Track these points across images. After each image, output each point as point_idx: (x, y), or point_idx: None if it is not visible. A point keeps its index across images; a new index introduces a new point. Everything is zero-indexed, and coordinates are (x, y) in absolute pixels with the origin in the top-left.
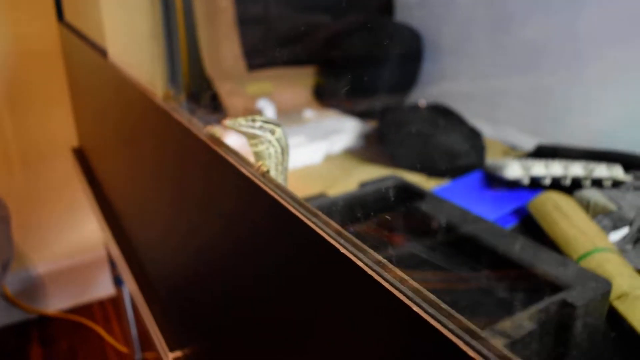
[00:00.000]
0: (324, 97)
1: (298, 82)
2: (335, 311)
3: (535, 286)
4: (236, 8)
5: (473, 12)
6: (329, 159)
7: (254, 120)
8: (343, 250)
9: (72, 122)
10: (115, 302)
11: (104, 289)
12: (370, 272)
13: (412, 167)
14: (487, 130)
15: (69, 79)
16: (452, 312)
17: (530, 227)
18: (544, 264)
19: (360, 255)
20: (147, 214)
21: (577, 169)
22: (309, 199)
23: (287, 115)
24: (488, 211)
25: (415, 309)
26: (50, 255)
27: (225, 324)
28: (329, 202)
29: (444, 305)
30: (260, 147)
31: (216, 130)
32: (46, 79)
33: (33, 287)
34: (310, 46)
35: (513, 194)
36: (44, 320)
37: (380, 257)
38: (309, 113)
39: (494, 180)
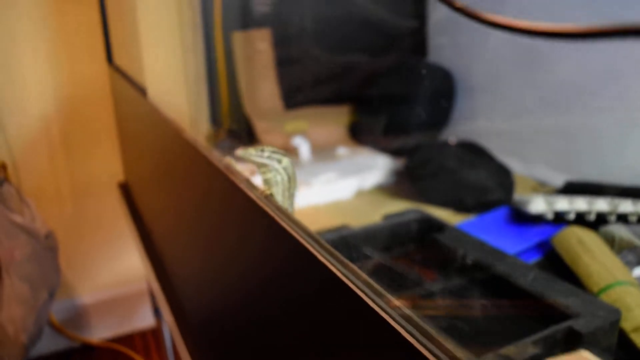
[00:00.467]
0: (358, 135)
1: (333, 120)
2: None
3: (545, 315)
4: (274, 50)
5: (504, 51)
6: (360, 194)
7: (262, 150)
8: (354, 289)
9: (119, 158)
10: (155, 333)
11: (145, 319)
12: (371, 304)
13: (440, 203)
14: (517, 167)
15: (117, 117)
16: None
17: (554, 261)
18: (556, 294)
19: (368, 291)
20: (184, 249)
21: (601, 204)
22: (332, 230)
23: (322, 152)
24: (510, 245)
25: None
26: (95, 286)
27: (251, 353)
28: (350, 233)
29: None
30: (269, 175)
31: (231, 160)
32: (97, 118)
33: (77, 316)
34: (346, 85)
35: (537, 229)
36: (87, 349)
37: (386, 295)
38: (342, 150)
39: (520, 216)
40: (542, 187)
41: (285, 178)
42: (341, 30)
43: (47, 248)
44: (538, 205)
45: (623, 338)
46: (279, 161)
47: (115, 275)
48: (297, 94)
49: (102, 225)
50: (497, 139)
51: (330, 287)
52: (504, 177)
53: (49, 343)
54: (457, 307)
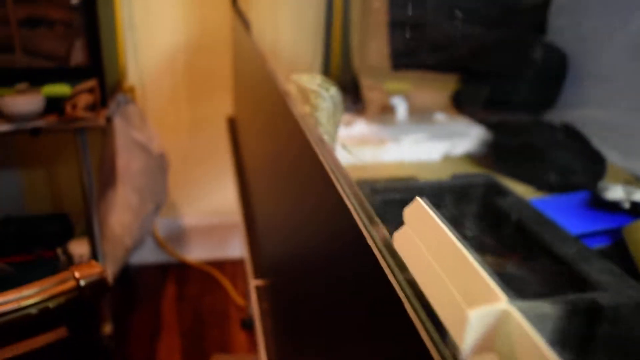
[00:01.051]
0: (460, 104)
1: (437, 86)
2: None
3: (575, 285)
4: (389, 10)
5: (626, 42)
6: (447, 159)
7: (314, 78)
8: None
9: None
10: (243, 264)
11: (237, 250)
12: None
13: (522, 178)
14: (616, 159)
15: (233, 55)
16: None
17: (621, 251)
18: (593, 269)
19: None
20: (265, 189)
21: None
22: (399, 180)
23: (419, 115)
24: (575, 225)
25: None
26: (197, 211)
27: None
28: (415, 184)
29: None
30: (317, 101)
31: (290, 85)
32: (217, 58)
33: (178, 235)
34: (457, 54)
35: (610, 216)
36: (183, 266)
37: None
38: (440, 116)
39: (598, 202)
40: (637, 182)
41: (331, 106)
42: None
43: (159, 166)
44: (616, 192)
45: None
46: (327, 89)
47: (216, 204)
48: (406, 56)
49: (211, 157)
50: (601, 129)
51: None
52: (594, 163)
53: (151, 255)
54: (491, 261)
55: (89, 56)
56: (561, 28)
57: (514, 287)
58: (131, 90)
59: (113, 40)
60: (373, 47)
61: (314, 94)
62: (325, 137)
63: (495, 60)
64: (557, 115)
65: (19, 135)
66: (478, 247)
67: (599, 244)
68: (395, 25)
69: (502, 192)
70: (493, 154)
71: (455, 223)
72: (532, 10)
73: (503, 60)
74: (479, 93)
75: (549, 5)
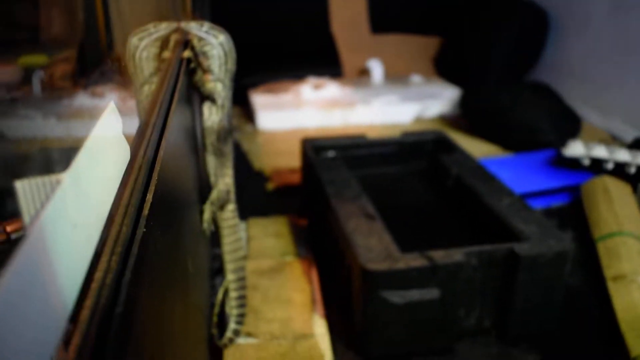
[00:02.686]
0: (440, 66)
1: (417, 49)
2: None
3: (497, 235)
4: None
5: None
6: (419, 121)
7: (202, 25)
8: None
9: None
10: None
11: None
12: None
13: (489, 138)
14: (594, 118)
15: None
16: None
17: (578, 208)
18: (520, 220)
19: None
20: None
21: None
22: (349, 137)
23: (396, 77)
24: (534, 183)
25: None
26: None
27: None
28: (360, 141)
29: None
30: (206, 48)
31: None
32: None
33: None
34: (436, 16)
35: (572, 174)
36: None
37: None
38: (416, 78)
39: (561, 161)
40: (612, 141)
41: (222, 53)
42: None
43: None
44: (575, 149)
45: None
46: (215, 36)
47: None
48: (385, 19)
49: None
50: (580, 87)
51: None
52: (565, 122)
53: None
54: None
55: (66, 26)
56: None
57: (442, 236)
58: (118, 60)
59: (93, 10)
60: (351, 10)
61: (203, 42)
62: (218, 85)
63: (473, 21)
64: (539, 76)
65: None
66: (415, 199)
67: (559, 202)
68: None
69: (450, 148)
70: (465, 115)
71: (396, 177)
72: None
73: (480, 20)
74: (458, 55)
75: None
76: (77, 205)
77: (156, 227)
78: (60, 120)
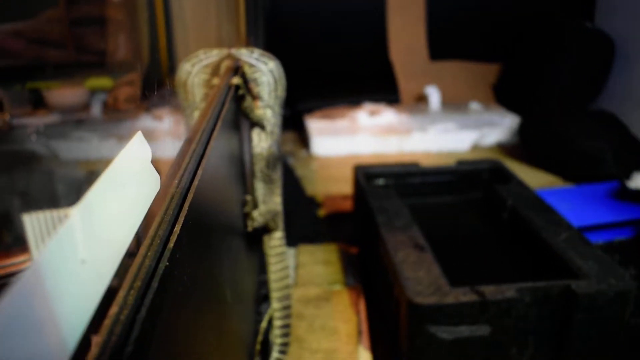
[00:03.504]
0: (500, 93)
1: (476, 76)
2: None
3: (553, 271)
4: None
5: None
6: (476, 149)
7: (252, 52)
8: None
9: None
10: None
11: None
12: None
13: (548, 168)
14: None
15: None
16: None
17: None
18: (579, 256)
19: None
20: None
21: None
22: (402, 165)
23: (454, 104)
24: (595, 216)
25: None
26: None
27: None
28: (413, 170)
29: None
30: (256, 75)
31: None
32: None
33: None
34: (497, 43)
35: (633, 208)
36: None
37: None
38: (475, 105)
39: (625, 193)
40: None
41: (271, 80)
42: None
43: None
44: (638, 181)
45: None
46: (265, 63)
47: None
48: (444, 46)
49: None
50: None
51: None
52: (631, 153)
53: None
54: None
55: (131, 51)
56: (611, 10)
57: (494, 270)
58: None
59: (156, 36)
60: (410, 36)
61: (253, 69)
62: (268, 112)
63: (536, 48)
64: (603, 105)
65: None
66: (467, 230)
67: (621, 237)
68: (434, 14)
69: (506, 178)
70: (523, 144)
71: (449, 207)
72: None
73: (544, 47)
74: (518, 82)
75: None
76: (88, 240)
77: (184, 259)
78: (120, 142)
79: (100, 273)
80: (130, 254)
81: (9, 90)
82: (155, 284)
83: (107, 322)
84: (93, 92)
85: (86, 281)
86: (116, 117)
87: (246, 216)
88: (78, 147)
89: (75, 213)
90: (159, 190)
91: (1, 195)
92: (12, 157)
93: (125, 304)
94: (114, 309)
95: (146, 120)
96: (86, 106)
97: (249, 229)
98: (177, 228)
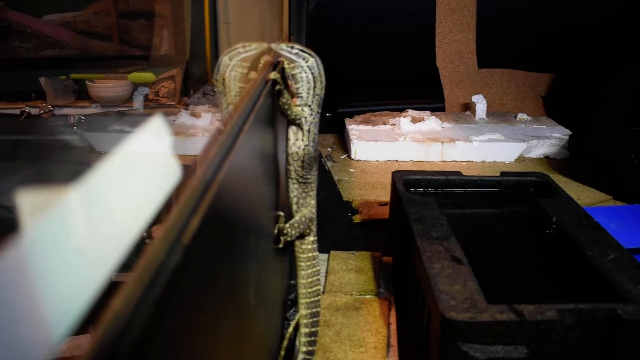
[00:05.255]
0: (550, 105)
1: (526, 86)
2: None
3: (598, 293)
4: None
5: None
6: (521, 161)
7: (292, 47)
8: None
9: None
10: None
11: None
12: None
13: (598, 186)
14: None
15: None
16: None
17: None
18: (627, 279)
19: None
20: None
21: None
22: (443, 172)
23: (501, 114)
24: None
25: None
26: None
27: None
28: (454, 179)
29: None
30: (295, 71)
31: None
32: None
33: None
34: (550, 53)
35: None
36: None
37: None
38: (523, 116)
39: None
40: None
41: (311, 77)
42: None
43: None
44: None
45: None
46: (305, 59)
47: None
48: (493, 54)
49: None
50: None
51: None
52: None
53: None
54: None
55: (175, 46)
56: None
57: (535, 288)
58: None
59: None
60: (458, 42)
61: (292, 64)
62: (306, 110)
63: (591, 59)
64: None
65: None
66: (509, 245)
67: None
68: (485, 19)
69: (552, 193)
70: (573, 159)
71: (490, 220)
72: None
73: (600, 60)
74: (571, 95)
75: None
76: (88, 225)
77: (202, 255)
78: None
79: (101, 262)
80: (141, 246)
81: (54, 80)
82: (164, 279)
83: (107, 316)
84: (136, 85)
85: (83, 269)
86: (154, 112)
87: (279, 232)
88: (115, 139)
89: (72, 194)
90: (180, 182)
91: (23, 183)
92: (46, 147)
93: (129, 298)
94: (116, 302)
95: (184, 117)
96: (128, 99)
97: (281, 245)
98: (195, 221)
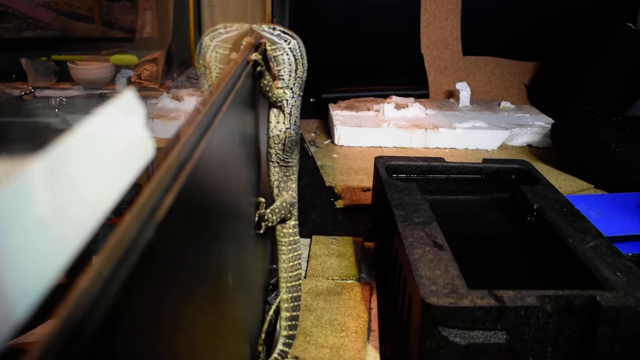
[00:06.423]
0: (534, 93)
1: (510, 74)
2: None
3: (577, 280)
4: None
5: None
6: (504, 148)
7: (274, 29)
8: None
9: None
10: None
11: None
12: None
13: (580, 174)
14: None
15: None
16: None
17: None
18: (605, 265)
19: None
20: None
21: None
22: (426, 159)
23: (485, 102)
24: (622, 227)
25: None
26: None
27: None
28: (439, 165)
29: None
30: (277, 53)
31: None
32: None
33: None
34: (534, 41)
35: None
36: None
37: None
38: (507, 104)
39: None
40: None
41: (292, 59)
42: None
43: None
44: None
45: None
46: (287, 41)
47: None
48: (478, 41)
49: None
50: None
51: None
52: None
53: None
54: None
55: (158, 29)
56: None
57: (515, 274)
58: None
59: (186, 16)
60: (443, 29)
61: (274, 46)
62: (287, 93)
63: (575, 48)
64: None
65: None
66: (490, 231)
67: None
68: (469, 6)
69: (534, 180)
70: (555, 147)
71: (472, 206)
72: None
73: (583, 48)
74: (555, 83)
75: None
76: (53, 197)
77: (175, 234)
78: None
79: (67, 235)
80: (113, 221)
81: (35, 61)
82: (134, 256)
83: (73, 293)
84: (118, 68)
85: (46, 241)
86: (139, 95)
87: (260, 218)
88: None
89: (35, 164)
90: (154, 158)
91: None
92: (26, 129)
93: (98, 275)
94: (84, 279)
95: (165, 100)
96: (111, 82)
97: (262, 230)
98: (169, 199)
